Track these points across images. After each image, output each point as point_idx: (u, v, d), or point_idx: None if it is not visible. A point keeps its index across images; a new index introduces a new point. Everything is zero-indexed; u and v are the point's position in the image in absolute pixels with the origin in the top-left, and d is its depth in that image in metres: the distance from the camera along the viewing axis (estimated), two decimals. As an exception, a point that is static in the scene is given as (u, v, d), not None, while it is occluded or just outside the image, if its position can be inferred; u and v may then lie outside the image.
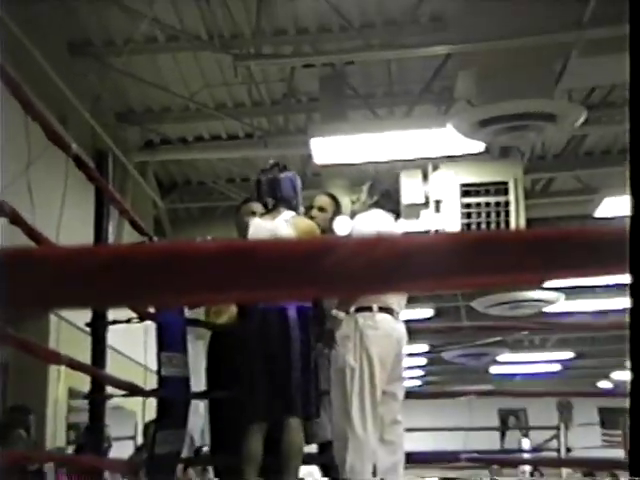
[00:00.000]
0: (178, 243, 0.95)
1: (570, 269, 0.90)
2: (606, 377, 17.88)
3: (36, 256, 0.87)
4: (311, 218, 4.77)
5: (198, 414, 7.48)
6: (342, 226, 5.29)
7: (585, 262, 0.88)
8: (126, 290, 0.85)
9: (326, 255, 0.82)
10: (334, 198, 5.12)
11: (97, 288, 0.83)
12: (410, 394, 4.85)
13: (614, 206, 8.51)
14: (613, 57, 6.26)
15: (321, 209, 4.94)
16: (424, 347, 14.18)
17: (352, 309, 4.25)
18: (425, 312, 12.08)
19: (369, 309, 4.26)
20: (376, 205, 4.54)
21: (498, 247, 0.84)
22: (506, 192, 7.84)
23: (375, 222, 4.45)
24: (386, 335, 4.29)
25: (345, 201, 7.80)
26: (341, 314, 4.23)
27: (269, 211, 4.54)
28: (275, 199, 4.52)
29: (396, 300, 4.38)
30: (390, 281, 0.86)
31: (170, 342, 4.46)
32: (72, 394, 6.82)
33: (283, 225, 4.39)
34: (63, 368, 5.18)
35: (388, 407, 4.34)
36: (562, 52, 6.29)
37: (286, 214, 4.46)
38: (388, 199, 4.62)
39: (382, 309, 4.28)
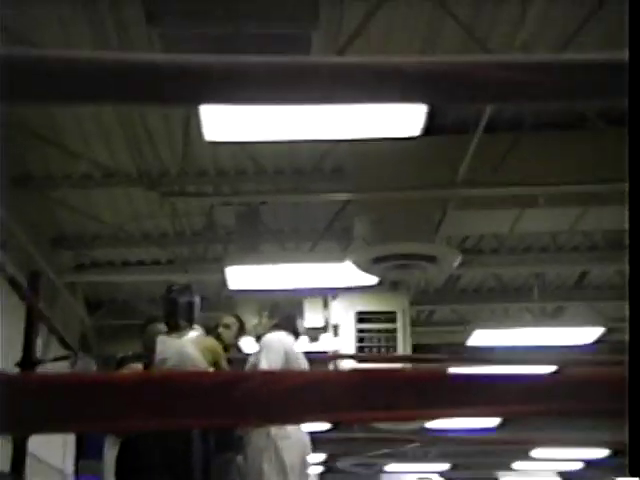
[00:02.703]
0: (99, 374, 0.92)
1: (443, 409, 0.91)
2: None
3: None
4: (217, 335, 4.76)
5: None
6: (247, 345, 5.26)
7: (457, 403, 0.89)
8: (49, 416, 0.82)
9: (235, 386, 0.81)
10: (238, 318, 5.17)
11: (22, 414, 0.80)
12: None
13: (483, 336, 8.70)
14: (482, 212, 6.55)
15: (226, 326, 4.98)
16: (321, 457, 13.90)
17: None
18: (323, 425, 11.89)
19: None
20: (276, 327, 4.54)
21: (381, 385, 0.85)
22: (395, 320, 7.95)
23: (279, 341, 4.44)
24: (296, 443, 4.27)
25: (252, 323, 7.77)
26: None
27: (175, 328, 4.47)
28: (189, 321, 4.48)
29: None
30: (294, 414, 0.85)
31: (88, 450, 4.27)
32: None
33: (189, 343, 4.35)
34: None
35: None
36: (441, 205, 6.55)
37: (192, 333, 4.42)
38: (287, 322, 4.63)
39: None
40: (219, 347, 4.50)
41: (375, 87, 0.94)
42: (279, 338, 4.49)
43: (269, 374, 0.91)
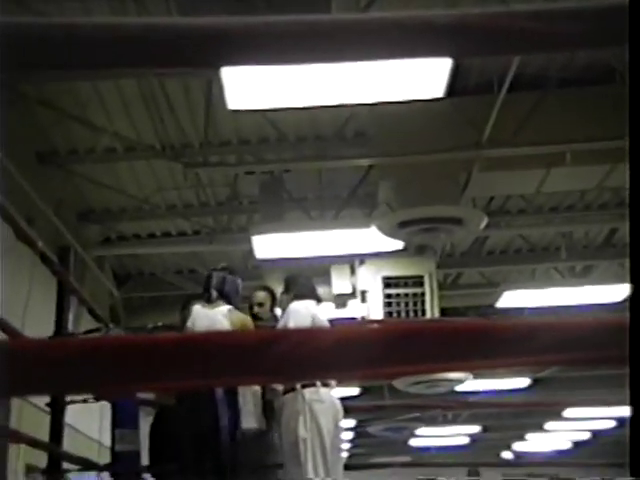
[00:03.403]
0: (137, 336, 0.94)
1: (480, 360, 0.92)
2: (508, 448, 17.87)
3: (10, 348, 0.85)
4: (253, 314, 4.82)
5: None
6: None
7: (494, 353, 0.90)
8: (91, 378, 0.84)
9: (272, 345, 0.82)
10: (269, 290, 5.15)
11: (64, 377, 0.82)
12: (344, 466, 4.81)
13: (513, 298, 8.67)
14: (507, 173, 6.50)
15: (260, 305, 4.99)
16: (352, 422, 14.02)
17: (298, 386, 4.26)
18: (352, 391, 11.97)
19: (313, 385, 4.27)
20: (297, 298, 4.57)
21: (421, 338, 0.86)
22: (422, 284, 7.94)
23: (306, 308, 4.48)
24: (330, 407, 4.33)
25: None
26: (279, 387, 4.28)
27: (210, 302, 4.55)
28: (219, 293, 4.54)
29: (332, 376, 4.41)
30: (330, 369, 0.86)
31: (123, 420, 4.34)
32: (29, 470, 6.51)
33: (221, 316, 4.41)
34: (23, 445, 4.97)
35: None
36: (466, 167, 6.50)
37: (224, 307, 4.49)
38: (307, 290, 4.66)
39: (324, 384, 4.30)
40: (250, 322, 4.55)
41: (405, 41, 0.94)
42: (305, 305, 4.53)
43: (304, 332, 0.92)
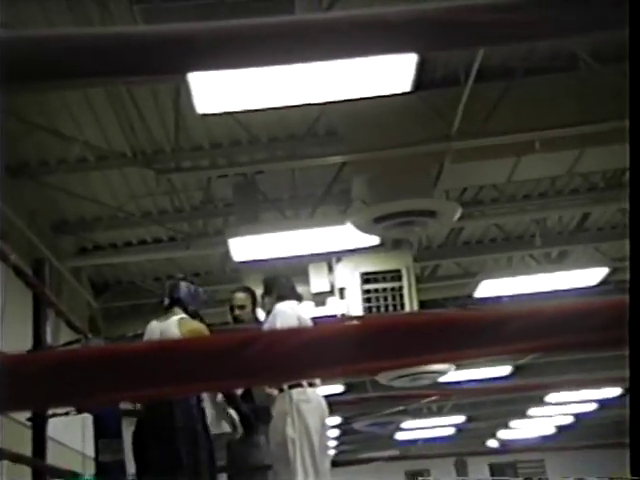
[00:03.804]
0: (109, 346, 0.94)
1: (452, 351, 0.93)
2: (493, 436, 18.00)
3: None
4: (235, 317, 4.78)
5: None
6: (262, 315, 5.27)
7: (466, 344, 0.91)
8: (68, 391, 0.83)
9: (245, 348, 0.82)
10: (249, 291, 5.10)
11: (42, 391, 0.81)
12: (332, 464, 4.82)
13: (490, 287, 8.73)
14: (478, 163, 6.54)
15: (241, 307, 4.93)
16: (337, 420, 14.04)
17: (285, 387, 4.27)
18: (336, 388, 12.01)
19: (300, 385, 4.28)
20: (281, 299, 4.56)
21: (394, 334, 0.86)
22: (400, 279, 7.97)
23: (291, 309, 4.48)
24: (317, 407, 4.34)
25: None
26: (274, 391, 4.28)
27: (164, 311, 4.48)
28: (171, 299, 4.45)
29: (317, 376, 4.42)
30: (304, 369, 0.86)
31: (106, 430, 4.31)
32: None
33: (173, 325, 4.34)
34: (5, 461, 4.92)
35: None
36: (437, 159, 6.53)
37: (175, 317, 4.39)
38: (289, 291, 4.65)
39: (310, 384, 4.32)
40: (203, 330, 4.45)
41: (364, 40, 0.95)
42: (290, 306, 4.53)
43: (276, 333, 0.92)
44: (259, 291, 5.08)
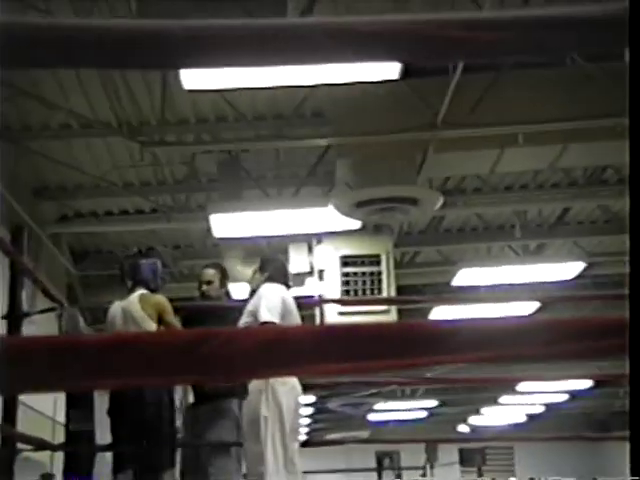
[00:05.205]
0: (70, 337, 0.97)
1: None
2: (464, 421, 18.21)
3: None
4: (202, 293, 4.82)
5: (104, 463, 7.24)
6: (238, 291, 5.29)
7: (416, 352, 0.94)
8: (24, 379, 0.86)
9: (201, 345, 0.85)
10: (217, 266, 5.13)
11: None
12: (302, 443, 4.89)
13: (468, 276, 8.81)
14: (462, 153, 6.58)
15: (208, 283, 4.98)
16: (312, 398, 14.15)
17: None
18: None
19: None
20: (270, 280, 4.59)
21: (346, 338, 0.90)
22: (379, 263, 8.02)
23: (277, 292, 4.51)
24: (292, 388, 4.38)
25: (240, 270, 7.80)
26: None
27: (128, 292, 4.54)
28: (134, 281, 4.51)
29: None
30: (259, 369, 0.90)
31: (78, 400, 4.35)
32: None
33: (134, 302, 4.40)
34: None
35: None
36: (421, 147, 6.56)
37: (135, 294, 4.46)
38: (280, 274, 4.69)
39: None
40: (165, 302, 4.50)
41: (330, 47, 0.97)
42: (277, 289, 4.56)
43: (234, 332, 0.96)
44: (241, 268, 5.11)
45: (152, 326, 4.32)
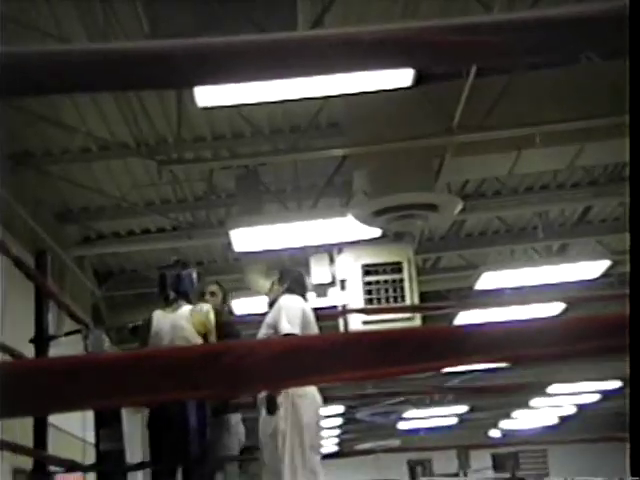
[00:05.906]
0: (86, 356, 0.98)
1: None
2: (495, 426, 18.06)
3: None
4: (205, 302, 4.92)
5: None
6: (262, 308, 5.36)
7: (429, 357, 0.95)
8: (41, 400, 0.87)
9: (217, 359, 0.86)
10: (221, 285, 5.43)
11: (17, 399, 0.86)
12: (331, 454, 4.88)
13: (491, 279, 8.75)
14: (479, 157, 6.57)
15: (212, 294, 5.18)
16: (340, 409, 14.13)
17: None
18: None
19: None
20: (288, 291, 4.60)
21: (363, 346, 0.90)
22: (400, 270, 8.00)
23: (297, 303, 4.52)
24: (312, 402, 4.35)
25: (262, 284, 7.84)
26: None
27: (170, 303, 4.57)
28: (177, 293, 4.56)
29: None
30: (275, 381, 0.91)
31: (107, 419, 4.38)
32: (16, 472, 6.52)
33: (183, 320, 4.45)
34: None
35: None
36: (438, 153, 6.55)
37: (185, 308, 4.52)
38: (298, 285, 4.71)
39: None
40: (211, 316, 4.57)
41: (334, 57, 0.99)
42: (296, 300, 4.56)
43: (248, 344, 0.97)
44: (263, 281, 5.15)
45: (199, 342, 4.37)
